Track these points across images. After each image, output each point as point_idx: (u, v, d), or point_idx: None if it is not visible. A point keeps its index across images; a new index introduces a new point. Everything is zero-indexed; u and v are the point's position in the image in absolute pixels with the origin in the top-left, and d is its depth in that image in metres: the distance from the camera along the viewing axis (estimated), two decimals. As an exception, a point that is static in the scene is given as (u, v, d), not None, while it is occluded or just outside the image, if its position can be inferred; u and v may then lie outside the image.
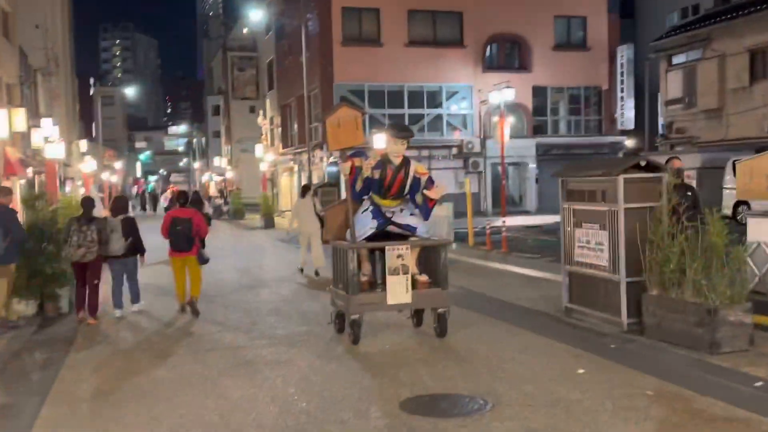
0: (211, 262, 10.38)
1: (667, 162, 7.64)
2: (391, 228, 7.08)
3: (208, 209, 17.88)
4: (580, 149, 30.99)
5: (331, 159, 27.60)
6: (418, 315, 7.69)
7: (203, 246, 9.74)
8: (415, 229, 7.05)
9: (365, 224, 6.99)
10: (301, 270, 13.09)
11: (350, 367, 6.16)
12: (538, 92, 31.51)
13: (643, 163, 7.09)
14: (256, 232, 25.56)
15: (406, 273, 6.81)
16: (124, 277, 9.27)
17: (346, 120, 6.79)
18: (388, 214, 7.05)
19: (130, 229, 9.14)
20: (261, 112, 42.00)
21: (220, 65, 59.34)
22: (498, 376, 5.73)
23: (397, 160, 6.99)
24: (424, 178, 6.99)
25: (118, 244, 9.03)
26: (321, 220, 13.35)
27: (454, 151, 30.00)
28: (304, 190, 13.42)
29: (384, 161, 6.97)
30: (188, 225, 9.21)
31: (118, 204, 9.29)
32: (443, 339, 7.06)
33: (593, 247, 7.36)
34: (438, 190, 6.86)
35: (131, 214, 9.78)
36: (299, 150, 33.37)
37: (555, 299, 8.81)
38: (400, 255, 6.80)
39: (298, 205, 13.24)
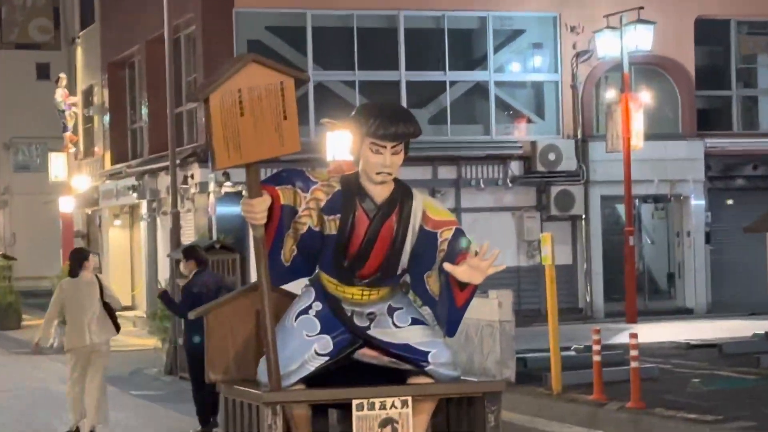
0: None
1: None
2: (364, 354, 7.18)
3: None
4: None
5: (227, 186, 27.65)
6: None
7: None
8: (424, 355, 7.14)
9: (305, 346, 7.08)
10: None
11: None
12: (709, 34, 32.03)
13: None
14: (47, 359, 25.68)
15: (402, 463, 6.88)
16: None
17: (257, 97, 6.84)
18: (360, 321, 7.15)
19: None
20: (63, 77, 42.28)
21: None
22: None
23: (380, 192, 7.05)
24: (444, 235, 7.05)
25: None
26: (115, 321, 14.05)
27: (515, 168, 30.31)
28: (76, 260, 14.41)
29: (349, 193, 7.06)
30: None
31: None
32: None
33: None
34: (477, 264, 6.85)
35: None
36: (152, 166, 33.45)
37: None
38: (388, 420, 6.87)
39: (64, 293, 14.27)
